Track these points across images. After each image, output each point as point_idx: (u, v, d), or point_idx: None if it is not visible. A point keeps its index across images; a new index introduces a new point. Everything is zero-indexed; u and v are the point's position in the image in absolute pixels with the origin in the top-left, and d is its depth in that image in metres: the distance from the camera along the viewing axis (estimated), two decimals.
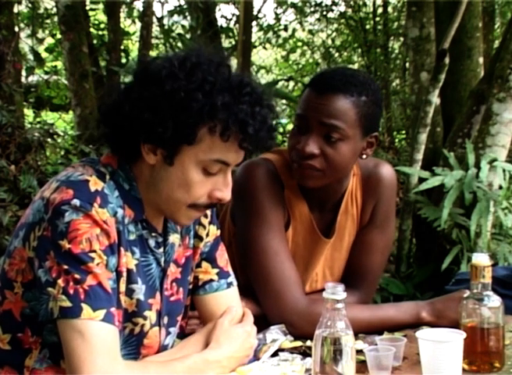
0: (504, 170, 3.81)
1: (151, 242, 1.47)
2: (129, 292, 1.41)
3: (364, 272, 1.98)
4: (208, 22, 7.50)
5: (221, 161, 1.39)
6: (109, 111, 1.43)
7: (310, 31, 9.55)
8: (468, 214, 3.72)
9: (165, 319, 1.52)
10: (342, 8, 9.31)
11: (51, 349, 1.38)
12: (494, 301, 1.57)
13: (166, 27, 8.25)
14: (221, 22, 8.11)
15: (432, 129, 4.25)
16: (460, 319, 1.59)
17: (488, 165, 3.78)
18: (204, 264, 1.61)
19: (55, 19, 7.24)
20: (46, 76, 7.27)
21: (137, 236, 1.44)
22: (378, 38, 9.04)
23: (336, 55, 9.52)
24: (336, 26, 9.59)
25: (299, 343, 1.69)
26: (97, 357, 1.27)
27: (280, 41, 9.40)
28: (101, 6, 8.12)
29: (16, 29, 6.27)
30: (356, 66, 9.13)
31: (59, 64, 8.75)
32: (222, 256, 1.64)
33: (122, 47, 7.64)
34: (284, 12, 9.21)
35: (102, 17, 8.32)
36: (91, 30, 7.57)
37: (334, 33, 9.67)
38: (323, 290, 1.32)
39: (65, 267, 1.29)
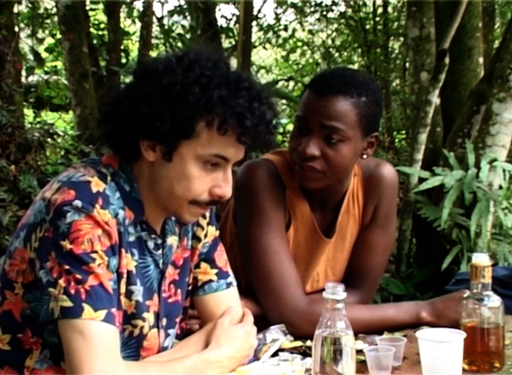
0: (504, 170, 3.81)
1: (150, 244, 1.47)
2: (129, 294, 1.41)
3: (364, 272, 1.98)
4: (208, 22, 7.50)
5: (220, 156, 1.39)
6: (109, 109, 1.43)
7: (310, 31, 9.55)
8: (468, 214, 3.72)
9: (164, 321, 1.52)
10: (342, 8, 9.32)
11: (51, 350, 1.38)
12: (494, 301, 1.57)
13: (166, 27, 8.25)
14: (221, 22, 8.12)
15: (432, 129, 4.26)
16: (460, 319, 1.59)
17: (488, 165, 3.78)
18: (203, 265, 1.61)
19: (55, 19, 7.24)
20: (46, 76, 7.27)
21: (136, 237, 1.44)
22: (378, 38, 9.03)
23: (336, 55, 9.52)
24: (336, 26, 9.59)
25: (299, 343, 1.69)
26: (97, 357, 1.27)
27: (280, 41, 9.39)
28: (101, 6, 8.12)
29: (16, 29, 6.27)
30: (356, 66, 9.13)
31: (59, 64, 8.75)
32: (221, 257, 1.64)
33: (122, 47, 7.64)
34: (284, 12, 9.22)
35: (102, 17, 8.32)
36: (91, 30, 7.56)
37: (334, 33, 9.66)
38: (324, 289, 1.33)
39: (67, 267, 1.29)
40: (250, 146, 1.43)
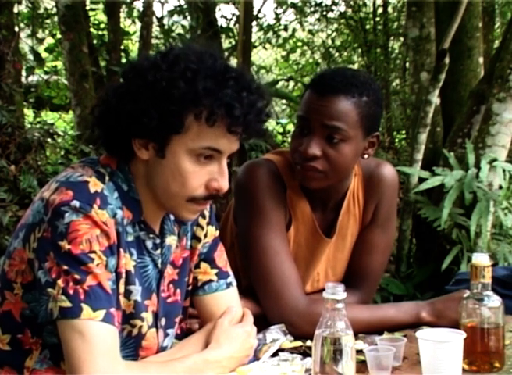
0: (504, 170, 3.81)
1: (149, 243, 1.47)
2: (127, 293, 1.41)
3: (365, 272, 1.98)
4: (208, 22, 7.50)
5: (212, 148, 1.38)
6: (99, 110, 1.43)
7: (310, 31, 9.55)
8: (468, 214, 3.72)
9: (163, 321, 1.51)
10: (342, 8, 9.32)
11: (51, 350, 1.38)
12: (494, 301, 1.57)
13: (166, 27, 8.25)
14: (221, 22, 8.12)
15: (432, 129, 4.26)
16: (460, 319, 1.59)
17: (488, 165, 3.78)
18: (203, 265, 1.61)
19: (55, 19, 7.24)
20: (46, 76, 7.28)
21: (135, 237, 1.44)
22: (378, 38, 9.04)
23: (336, 55, 9.52)
24: (336, 26, 9.60)
25: (299, 343, 1.69)
26: (97, 357, 1.27)
27: (280, 41, 9.39)
28: (101, 6, 8.12)
29: (16, 29, 6.28)
30: (356, 66, 9.13)
31: (59, 64, 8.75)
32: (221, 257, 1.64)
33: (122, 47, 7.63)
34: (284, 12, 9.22)
35: (102, 17, 8.32)
36: (91, 30, 7.57)
37: (334, 33, 9.67)
38: (324, 289, 1.33)
39: (65, 268, 1.29)
40: (243, 136, 1.41)
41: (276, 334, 1.70)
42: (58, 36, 7.41)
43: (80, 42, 6.11)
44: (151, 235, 1.47)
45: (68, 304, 1.28)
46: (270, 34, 9.13)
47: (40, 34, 7.70)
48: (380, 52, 9.04)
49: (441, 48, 4.02)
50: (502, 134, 3.85)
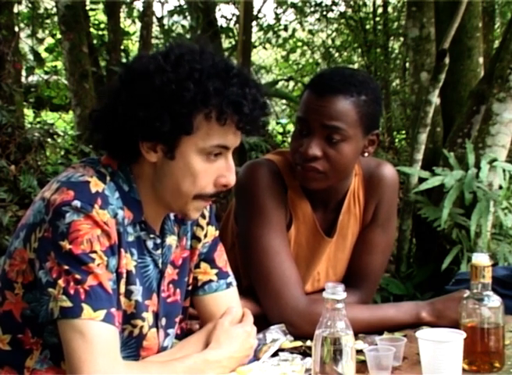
0: (504, 170, 3.81)
1: (149, 244, 1.47)
2: (128, 294, 1.41)
3: (365, 272, 1.98)
4: (208, 22, 7.50)
5: (221, 146, 1.39)
6: (102, 116, 1.42)
7: (310, 31, 9.56)
8: (468, 214, 3.72)
9: (163, 321, 1.51)
10: (342, 8, 9.33)
11: (52, 350, 1.38)
12: (494, 301, 1.57)
13: (166, 27, 8.26)
14: (221, 22, 8.13)
15: (432, 129, 4.26)
16: (460, 319, 1.59)
17: (488, 165, 3.78)
18: (203, 265, 1.61)
19: (55, 19, 7.25)
20: (46, 76, 7.28)
21: (135, 237, 1.44)
22: (378, 38, 9.04)
23: (336, 55, 9.53)
24: (336, 26, 9.60)
25: (299, 343, 1.69)
26: (97, 357, 1.27)
27: (280, 41, 9.40)
28: (101, 6, 8.12)
29: (16, 29, 6.28)
30: (356, 66, 9.13)
31: (59, 64, 8.76)
32: (221, 257, 1.64)
33: (122, 47, 7.64)
34: (284, 12, 9.23)
35: (102, 17, 8.33)
36: (91, 30, 7.57)
37: (334, 33, 9.67)
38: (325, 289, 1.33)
39: (66, 267, 1.29)
40: (248, 131, 1.43)
41: (276, 334, 1.70)
42: (58, 36, 7.42)
43: (80, 42, 6.12)
44: (152, 235, 1.47)
45: (68, 304, 1.28)
46: (270, 34, 9.14)
47: (40, 34, 7.71)
48: (380, 52, 9.04)
49: (441, 48, 4.02)
50: (502, 134, 3.85)
